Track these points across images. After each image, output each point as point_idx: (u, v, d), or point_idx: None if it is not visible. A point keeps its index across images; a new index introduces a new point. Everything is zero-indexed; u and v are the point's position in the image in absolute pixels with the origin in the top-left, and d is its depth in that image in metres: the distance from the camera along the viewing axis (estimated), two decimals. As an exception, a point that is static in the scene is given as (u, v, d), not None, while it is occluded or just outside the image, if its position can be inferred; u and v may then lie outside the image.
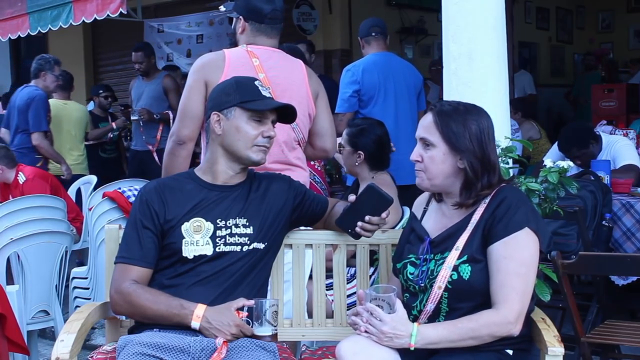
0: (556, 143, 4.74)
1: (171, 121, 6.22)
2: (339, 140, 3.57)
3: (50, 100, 6.73)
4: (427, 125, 2.20)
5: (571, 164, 2.74)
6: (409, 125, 4.45)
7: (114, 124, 7.25)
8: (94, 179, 6.04)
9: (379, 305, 2.09)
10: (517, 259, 2.08)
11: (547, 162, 2.71)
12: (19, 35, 6.57)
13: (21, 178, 5.22)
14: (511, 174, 2.70)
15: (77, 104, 6.99)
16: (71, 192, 5.86)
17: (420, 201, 2.40)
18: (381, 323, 2.06)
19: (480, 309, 2.10)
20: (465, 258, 2.12)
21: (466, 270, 2.11)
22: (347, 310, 2.58)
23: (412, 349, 2.07)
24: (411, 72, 4.80)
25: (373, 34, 4.75)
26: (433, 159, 2.18)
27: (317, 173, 4.40)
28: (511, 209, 2.10)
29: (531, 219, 2.11)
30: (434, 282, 2.14)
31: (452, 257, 2.13)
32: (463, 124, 2.15)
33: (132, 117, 6.54)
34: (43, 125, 5.90)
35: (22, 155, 5.84)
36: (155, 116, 6.36)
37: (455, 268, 2.12)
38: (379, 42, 4.77)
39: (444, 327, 2.09)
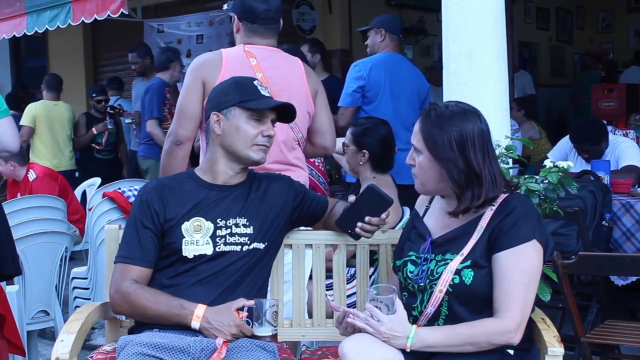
0: (560, 142, 4.75)
1: None
2: (341, 140, 3.57)
3: (42, 101, 7.05)
4: (415, 131, 2.19)
5: (571, 164, 2.74)
6: (409, 126, 4.45)
7: (94, 129, 7.07)
8: (97, 181, 6.07)
9: (377, 307, 2.09)
10: (522, 268, 2.07)
11: (547, 162, 2.71)
12: (14, 35, 6.57)
13: (31, 175, 5.26)
14: (511, 174, 2.69)
15: (66, 105, 7.20)
16: (77, 193, 5.89)
17: (422, 199, 2.39)
18: (379, 323, 2.07)
19: (480, 313, 2.10)
20: (468, 263, 2.11)
21: (469, 275, 2.10)
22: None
23: (407, 350, 2.07)
24: (418, 77, 4.78)
25: (401, 36, 4.75)
26: (421, 165, 2.17)
27: (321, 174, 4.40)
28: (520, 221, 2.09)
29: (538, 231, 2.11)
30: (434, 284, 2.13)
31: (456, 262, 2.12)
32: (445, 130, 2.10)
33: (126, 121, 6.55)
34: (155, 112, 5.80)
35: (149, 146, 5.85)
36: None
37: (458, 272, 2.11)
38: (399, 45, 4.77)
39: (442, 332, 2.09)
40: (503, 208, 2.13)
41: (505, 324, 2.05)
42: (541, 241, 2.11)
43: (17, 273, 3.16)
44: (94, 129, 7.10)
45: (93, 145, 7.19)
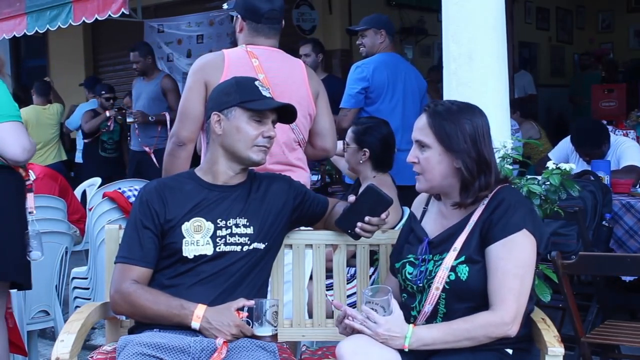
0: (562, 142, 4.75)
1: (168, 122, 6.24)
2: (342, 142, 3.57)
3: (32, 107, 7.57)
4: (421, 127, 2.20)
5: (573, 166, 2.74)
6: (412, 126, 4.43)
7: (107, 112, 7.27)
8: (98, 180, 6.07)
9: (373, 309, 2.09)
10: (514, 260, 2.07)
11: (550, 164, 2.71)
12: (14, 35, 6.58)
13: (31, 176, 5.24)
14: (513, 175, 2.69)
15: (55, 105, 7.74)
16: (77, 193, 5.89)
17: (419, 201, 2.40)
18: (376, 325, 2.07)
19: (478, 310, 2.10)
20: (463, 259, 2.12)
21: (464, 271, 2.11)
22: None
23: (406, 350, 2.07)
24: (417, 75, 4.79)
25: (394, 34, 4.75)
26: (429, 160, 2.18)
27: None
28: (509, 211, 2.10)
29: (528, 221, 2.11)
30: (432, 283, 2.14)
31: (450, 258, 2.13)
32: (456, 124, 2.14)
33: (128, 120, 6.57)
34: None
35: None
36: (150, 118, 6.36)
37: (453, 269, 2.12)
38: (395, 44, 4.77)
39: (439, 329, 2.10)
40: (493, 201, 2.15)
41: (501, 316, 2.06)
42: (533, 232, 2.11)
43: (26, 285, 3.10)
44: (107, 112, 7.29)
45: (99, 133, 7.41)
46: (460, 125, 2.14)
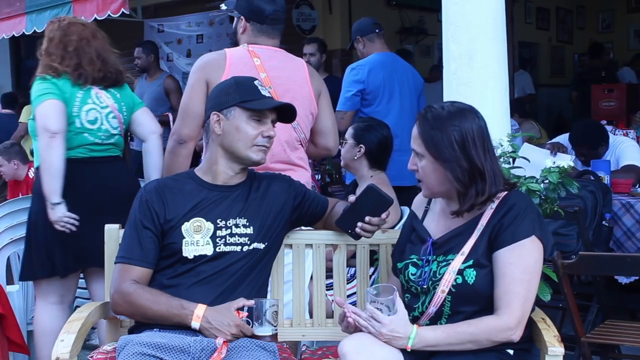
0: (561, 136, 4.76)
1: (171, 123, 6.24)
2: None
3: (28, 107, 7.36)
4: (414, 136, 2.19)
5: (572, 163, 2.74)
6: (411, 126, 4.43)
7: None
8: None
9: (377, 308, 2.09)
10: (522, 265, 2.07)
11: (548, 162, 2.71)
12: (14, 35, 6.59)
13: (32, 174, 5.26)
14: (512, 174, 2.69)
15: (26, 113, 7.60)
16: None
17: (420, 200, 2.39)
18: (380, 325, 2.06)
19: (482, 313, 2.10)
20: (470, 263, 2.11)
21: (471, 275, 2.10)
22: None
23: (408, 350, 2.07)
24: (413, 73, 4.79)
25: (377, 30, 4.73)
26: (424, 169, 2.17)
27: None
28: (519, 217, 2.09)
29: (537, 227, 2.11)
30: (437, 285, 2.14)
31: (458, 262, 2.12)
32: (444, 132, 2.11)
33: None
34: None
35: None
36: None
37: (460, 272, 2.11)
38: (382, 39, 4.75)
39: (443, 331, 2.09)
40: (502, 205, 2.14)
41: (505, 321, 2.06)
42: (541, 238, 2.11)
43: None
44: None
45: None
46: (447, 133, 2.11)
